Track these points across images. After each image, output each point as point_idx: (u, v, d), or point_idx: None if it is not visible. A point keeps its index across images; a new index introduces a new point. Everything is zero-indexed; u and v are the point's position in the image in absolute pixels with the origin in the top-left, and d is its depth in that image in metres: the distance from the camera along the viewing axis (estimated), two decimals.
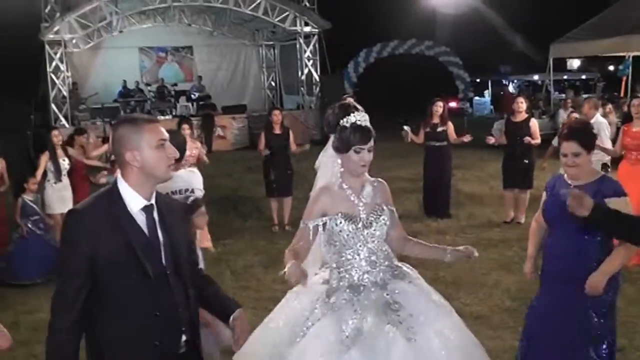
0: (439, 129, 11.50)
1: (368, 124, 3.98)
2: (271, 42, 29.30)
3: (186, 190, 5.85)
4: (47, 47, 22.43)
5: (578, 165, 4.51)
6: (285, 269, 3.61)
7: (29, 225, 9.40)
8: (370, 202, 4.06)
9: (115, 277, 3.13)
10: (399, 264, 4.21)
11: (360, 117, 3.95)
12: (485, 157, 17.25)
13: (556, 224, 4.64)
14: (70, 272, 3.12)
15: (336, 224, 3.96)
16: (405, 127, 11.36)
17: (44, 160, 10.05)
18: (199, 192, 6.04)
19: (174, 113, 23.68)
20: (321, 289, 4.08)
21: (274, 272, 4.72)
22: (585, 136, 4.55)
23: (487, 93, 38.27)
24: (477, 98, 34.81)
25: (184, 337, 3.35)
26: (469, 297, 7.68)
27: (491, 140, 11.57)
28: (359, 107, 4.09)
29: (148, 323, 3.20)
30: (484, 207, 12.40)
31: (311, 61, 25.60)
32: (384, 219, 4.06)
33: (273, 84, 29.64)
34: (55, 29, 22.32)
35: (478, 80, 35.07)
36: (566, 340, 4.52)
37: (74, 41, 24.32)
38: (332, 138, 4.04)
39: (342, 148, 3.94)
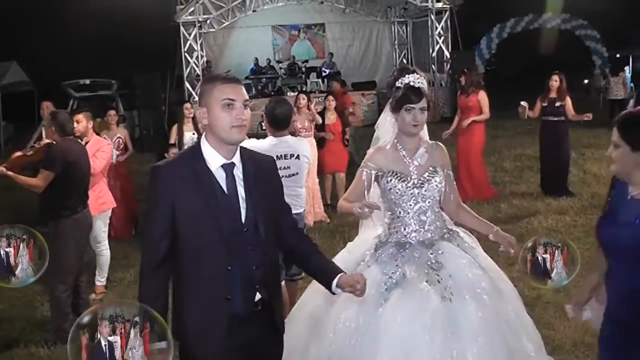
0: (557, 104, 11.11)
1: (423, 85, 4.12)
2: (403, 19, 29.04)
3: (292, 155, 5.99)
4: (182, 28, 23.25)
5: None
6: (354, 211, 3.82)
7: None
8: (424, 164, 4.16)
9: (192, 230, 3.25)
10: (454, 228, 4.31)
11: (415, 79, 4.11)
12: None
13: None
14: (156, 219, 3.29)
15: (387, 181, 4.11)
16: (523, 103, 10.95)
17: (174, 131, 10.60)
18: (305, 159, 6.15)
19: (304, 89, 23.89)
20: (373, 242, 4.27)
21: None
22: None
23: (628, 69, 36.19)
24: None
25: (258, 295, 3.39)
26: (581, 279, 7.45)
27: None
28: (417, 70, 4.23)
29: (220, 277, 3.28)
30: None
31: (442, 38, 25.23)
32: (436, 181, 4.14)
33: (405, 61, 29.24)
34: (190, 10, 23.16)
35: (618, 55, 33.33)
36: None
37: (208, 22, 25.13)
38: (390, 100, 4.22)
39: (395, 107, 4.12)
